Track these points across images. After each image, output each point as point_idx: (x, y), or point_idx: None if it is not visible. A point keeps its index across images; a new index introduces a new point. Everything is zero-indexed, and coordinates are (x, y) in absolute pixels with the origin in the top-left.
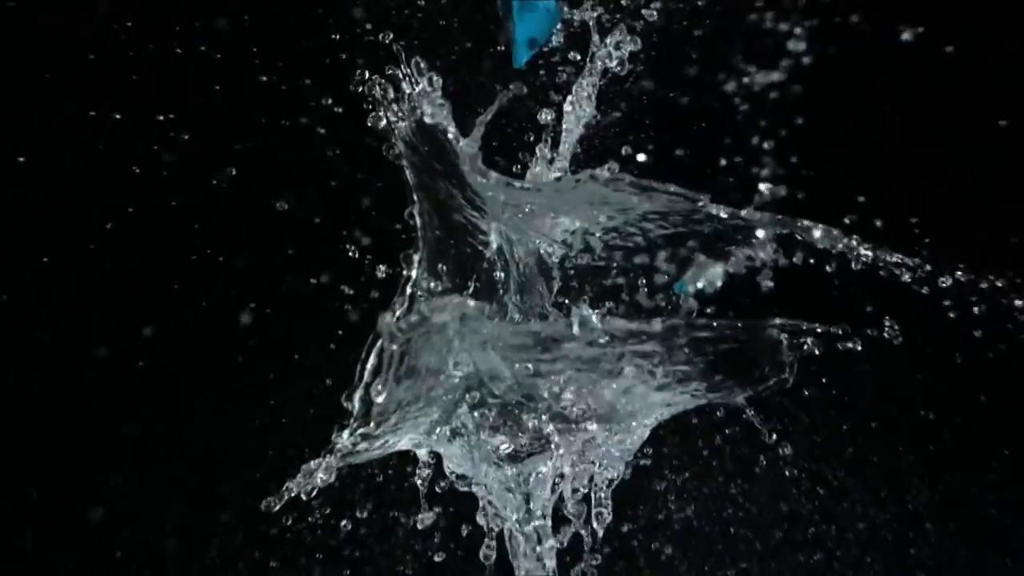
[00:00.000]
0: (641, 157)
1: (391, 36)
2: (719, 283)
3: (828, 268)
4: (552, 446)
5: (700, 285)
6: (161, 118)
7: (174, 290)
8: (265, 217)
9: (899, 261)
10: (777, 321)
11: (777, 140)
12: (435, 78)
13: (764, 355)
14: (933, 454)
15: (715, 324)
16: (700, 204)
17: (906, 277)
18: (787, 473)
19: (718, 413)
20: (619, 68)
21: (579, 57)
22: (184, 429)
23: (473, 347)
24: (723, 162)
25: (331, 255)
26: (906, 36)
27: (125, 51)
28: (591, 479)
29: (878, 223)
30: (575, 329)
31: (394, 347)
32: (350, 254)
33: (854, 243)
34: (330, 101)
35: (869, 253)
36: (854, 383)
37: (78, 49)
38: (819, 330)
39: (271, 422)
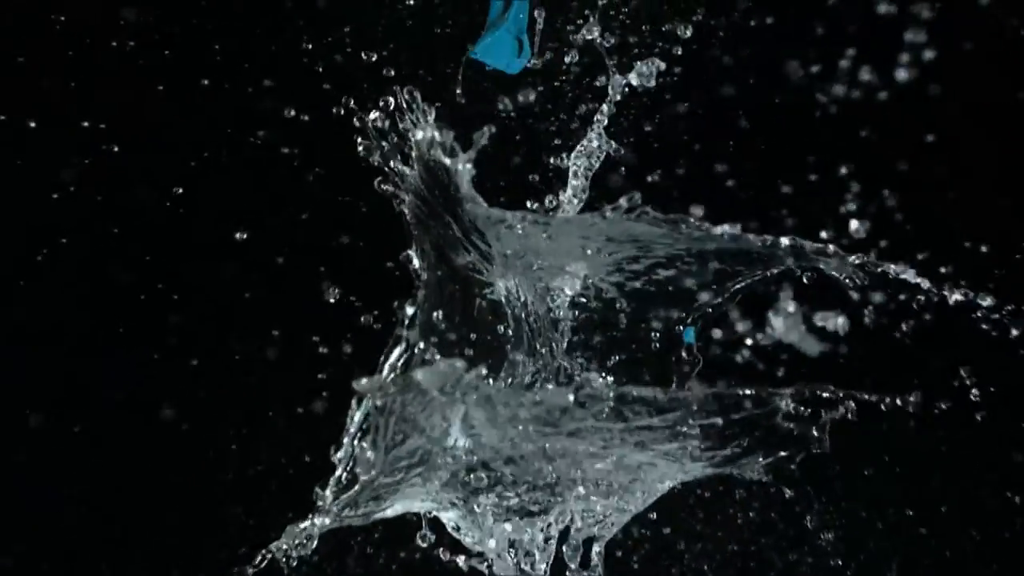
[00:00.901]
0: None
1: (375, 56)
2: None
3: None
4: (554, 507)
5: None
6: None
7: (153, 330)
8: (229, 252)
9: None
10: (790, 391)
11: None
12: (431, 113)
13: (781, 428)
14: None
15: (725, 395)
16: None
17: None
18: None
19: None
20: (645, 85)
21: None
22: (162, 486)
23: (470, 417)
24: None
25: (309, 297)
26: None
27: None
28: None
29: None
30: (575, 398)
31: (380, 414)
32: (331, 299)
33: (926, 285)
34: (303, 117)
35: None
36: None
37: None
38: (846, 399)
39: (248, 479)
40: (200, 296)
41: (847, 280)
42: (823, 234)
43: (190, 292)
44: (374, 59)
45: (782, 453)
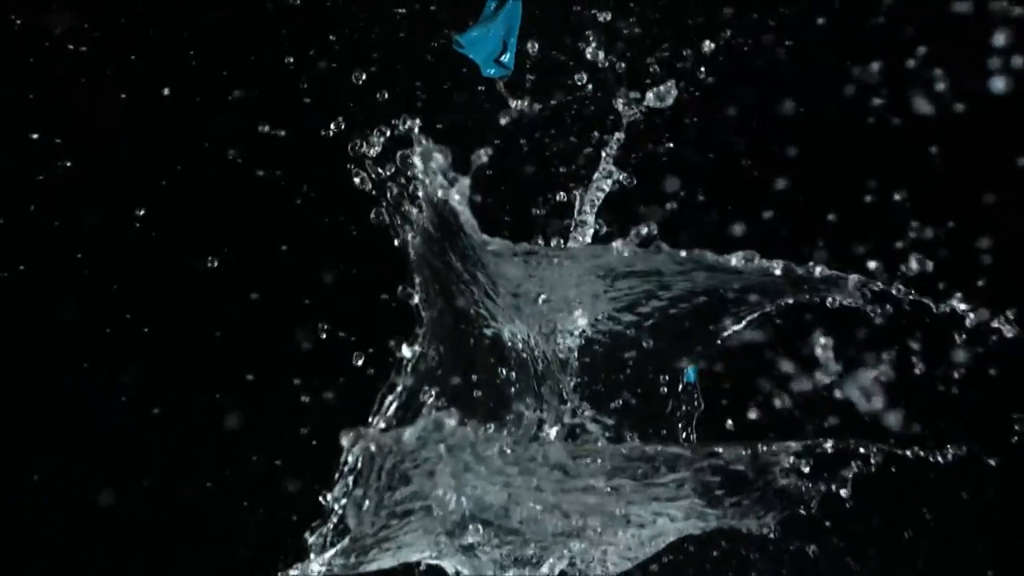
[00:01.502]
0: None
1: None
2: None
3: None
4: (555, 555)
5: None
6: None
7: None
8: (200, 282)
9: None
10: (794, 445)
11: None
12: (431, 145)
13: (776, 486)
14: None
15: (720, 452)
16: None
17: None
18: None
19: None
20: (661, 105)
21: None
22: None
23: (465, 473)
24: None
25: (292, 333)
26: None
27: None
28: None
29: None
30: (577, 455)
31: (372, 463)
32: (322, 335)
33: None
34: (280, 132)
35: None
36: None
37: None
38: (854, 454)
39: (233, 526)
40: (166, 335)
41: (866, 307)
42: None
43: (156, 329)
44: (363, 79)
45: (782, 510)
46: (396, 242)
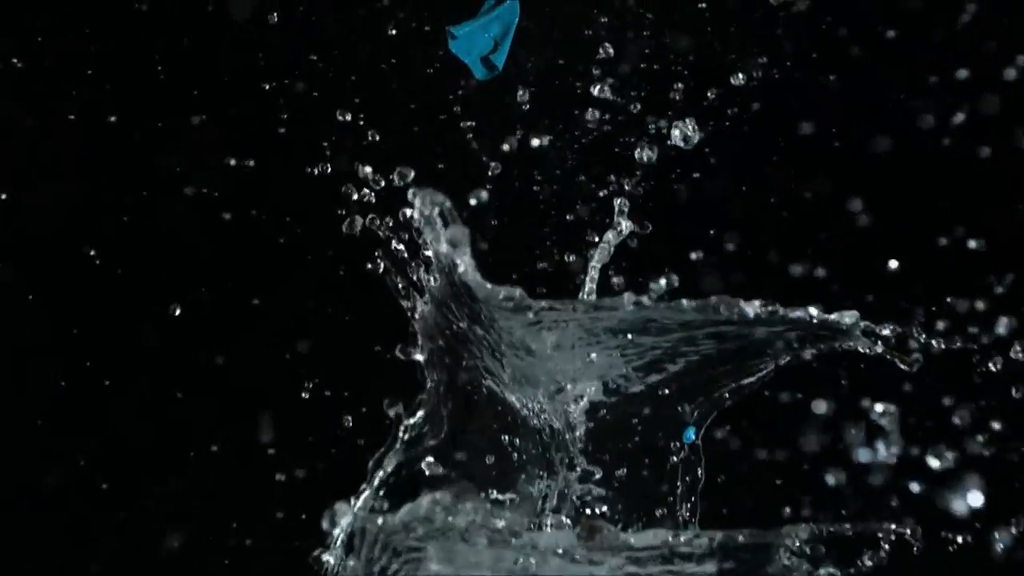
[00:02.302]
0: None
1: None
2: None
3: None
4: None
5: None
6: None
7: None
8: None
9: None
10: (803, 529)
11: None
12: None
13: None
14: None
15: (715, 537)
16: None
17: None
18: None
19: None
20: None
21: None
22: None
23: (465, 556)
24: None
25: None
26: None
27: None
28: None
29: None
30: (579, 542)
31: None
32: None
33: None
34: (248, 162)
35: None
36: None
37: None
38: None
39: None
40: (127, 396)
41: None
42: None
43: (117, 389)
44: (348, 118)
45: None
46: (408, 311)
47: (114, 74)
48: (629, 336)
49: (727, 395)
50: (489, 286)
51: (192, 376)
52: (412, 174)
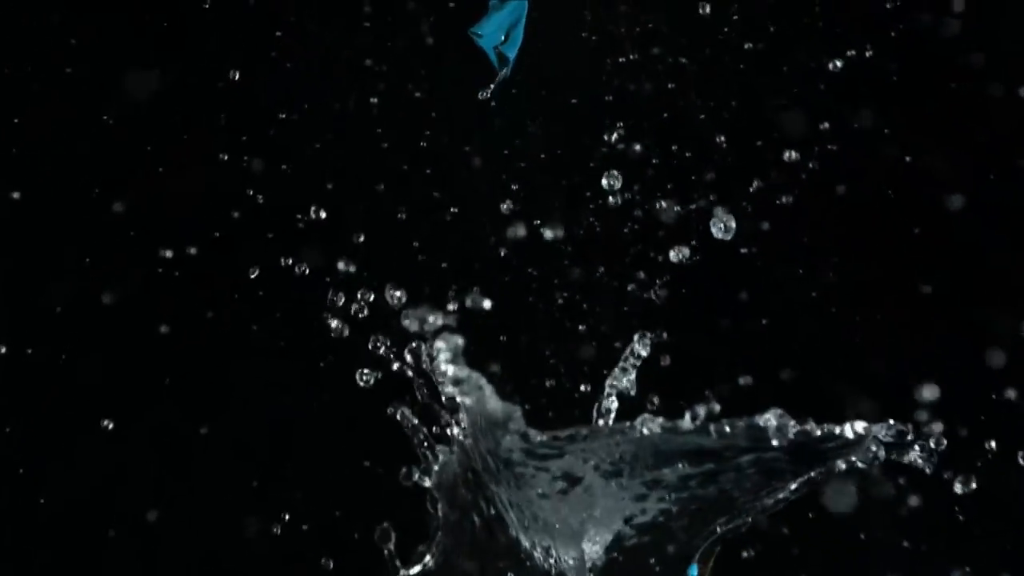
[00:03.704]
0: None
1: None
2: None
3: None
4: None
5: None
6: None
7: None
8: None
9: None
10: None
11: None
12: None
13: None
14: None
15: None
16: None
17: None
18: None
19: None
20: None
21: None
22: None
23: None
24: None
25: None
26: None
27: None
28: None
29: None
30: None
31: None
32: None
33: None
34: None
35: None
36: None
37: None
38: None
39: None
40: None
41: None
42: None
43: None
44: (346, 269)
45: None
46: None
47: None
48: (647, 472)
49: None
50: (507, 427)
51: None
52: (405, 296)
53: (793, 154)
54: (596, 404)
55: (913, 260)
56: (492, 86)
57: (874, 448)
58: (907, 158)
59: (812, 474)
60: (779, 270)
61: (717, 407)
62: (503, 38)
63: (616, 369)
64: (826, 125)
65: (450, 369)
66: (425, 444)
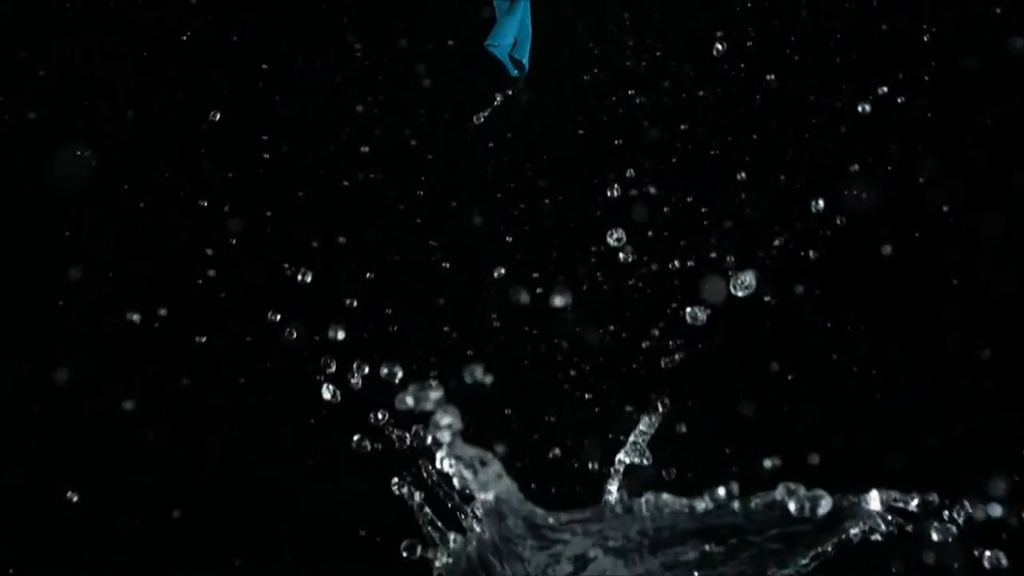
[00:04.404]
0: None
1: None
2: None
3: None
4: None
5: None
6: None
7: None
8: None
9: None
10: None
11: None
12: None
13: None
14: None
15: None
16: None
17: None
18: None
19: None
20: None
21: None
22: None
23: None
24: None
25: None
26: None
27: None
28: None
29: None
30: None
31: None
32: None
33: None
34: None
35: None
36: None
37: None
38: None
39: None
40: None
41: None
42: None
43: None
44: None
45: None
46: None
47: None
48: (662, 551)
49: None
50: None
51: None
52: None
53: (820, 203)
54: (606, 479)
55: (954, 321)
56: (485, 112)
57: (889, 518)
58: (944, 208)
59: (828, 548)
60: (804, 335)
61: (735, 486)
62: (513, 43)
63: (628, 444)
64: (856, 167)
65: (454, 447)
66: (431, 525)
